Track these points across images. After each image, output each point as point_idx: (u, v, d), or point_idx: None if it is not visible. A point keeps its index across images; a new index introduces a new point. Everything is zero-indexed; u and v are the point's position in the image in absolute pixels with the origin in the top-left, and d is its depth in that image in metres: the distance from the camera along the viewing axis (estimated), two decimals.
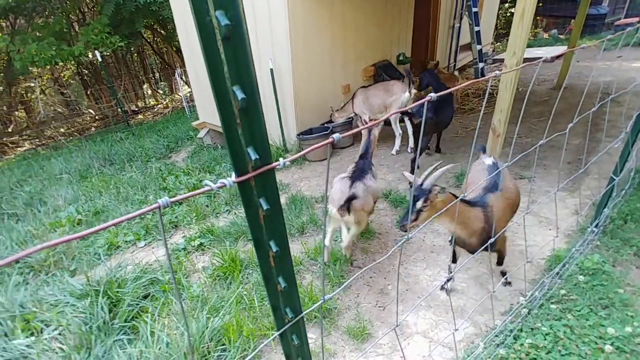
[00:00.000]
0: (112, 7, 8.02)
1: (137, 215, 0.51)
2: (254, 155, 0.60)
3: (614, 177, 2.55)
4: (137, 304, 2.74)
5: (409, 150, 4.93)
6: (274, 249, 0.68)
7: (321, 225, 3.60)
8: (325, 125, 5.35)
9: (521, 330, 2.20)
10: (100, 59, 7.63)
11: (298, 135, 5.12)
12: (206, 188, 0.56)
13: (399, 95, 4.60)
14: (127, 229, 3.96)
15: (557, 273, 2.49)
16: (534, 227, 3.19)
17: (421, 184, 1.98)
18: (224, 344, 2.34)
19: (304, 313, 0.83)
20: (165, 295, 2.85)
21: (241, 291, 2.75)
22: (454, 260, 2.63)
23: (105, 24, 8.00)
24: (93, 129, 10.38)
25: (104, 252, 3.62)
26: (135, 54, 13.27)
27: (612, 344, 2.05)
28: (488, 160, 2.52)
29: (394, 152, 4.97)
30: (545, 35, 12.70)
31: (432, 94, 0.87)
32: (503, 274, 2.64)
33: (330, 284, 2.81)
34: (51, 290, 2.91)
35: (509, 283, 2.63)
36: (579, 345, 2.07)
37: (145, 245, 3.74)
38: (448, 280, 2.66)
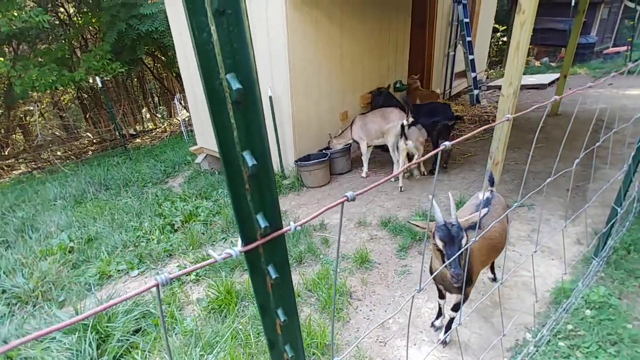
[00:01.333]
0: (115, 34, 8.17)
1: (132, 296, 0.47)
2: (263, 223, 0.56)
3: (617, 208, 2.53)
4: (127, 340, 2.62)
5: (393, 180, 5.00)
6: (282, 318, 0.63)
7: (319, 254, 3.52)
8: (324, 151, 5.36)
9: None
10: (100, 85, 7.69)
11: (296, 161, 5.11)
12: (211, 260, 0.52)
13: (396, 123, 4.63)
14: (120, 257, 3.86)
15: (564, 308, 2.42)
16: (536, 257, 3.13)
17: (456, 221, 1.76)
18: None
19: None
20: (157, 329, 2.73)
21: (237, 325, 2.65)
22: (442, 297, 2.44)
23: (107, 50, 8.12)
24: (90, 152, 10.36)
25: (95, 281, 3.50)
26: (136, 79, 13.44)
27: None
28: (482, 195, 2.44)
29: (400, 183, 4.91)
30: (537, 63, 13.03)
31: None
32: (449, 325, 2.39)
33: (329, 318, 2.72)
34: (37, 324, 2.80)
35: (445, 343, 2.41)
36: None
37: (139, 274, 3.64)
38: (437, 317, 2.57)
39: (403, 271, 3.17)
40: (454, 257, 1.66)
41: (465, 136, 0.93)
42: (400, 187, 4.78)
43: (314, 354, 2.42)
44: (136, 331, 2.79)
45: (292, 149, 5.10)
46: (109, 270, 3.65)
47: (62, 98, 12.62)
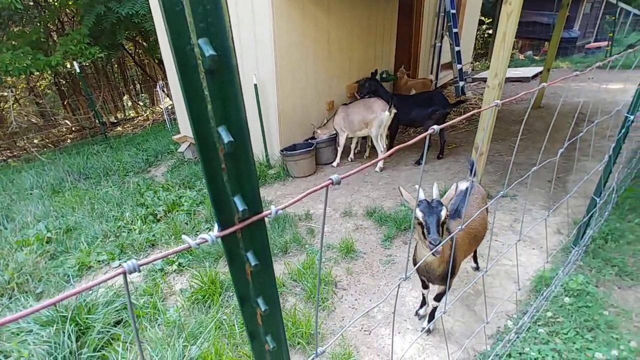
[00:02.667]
0: (93, 18, 7.84)
1: (99, 282, 0.43)
2: (241, 206, 0.52)
3: (596, 198, 2.59)
4: (108, 331, 2.56)
5: (377, 169, 4.97)
6: (263, 307, 0.60)
7: (305, 244, 3.51)
8: (309, 141, 5.31)
9: (510, 355, 2.16)
10: (78, 70, 7.40)
11: (281, 151, 5.06)
12: (185, 246, 0.48)
13: (379, 114, 4.62)
14: (101, 248, 3.76)
15: (544, 295, 2.47)
16: (518, 246, 3.19)
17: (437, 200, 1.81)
18: None
19: None
20: (139, 320, 2.68)
21: (221, 316, 2.62)
22: (425, 287, 2.46)
23: (85, 34, 7.80)
24: (69, 140, 10.02)
25: (74, 272, 3.41)
26: (116, 65, 13.01)
27: None
28: (462, 185, 2.45)
29: (377, 169, 4.96)
30: (521, 57, 13.19)
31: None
32: (432, 314, 2.41)
33: (314, 307, 2.71)
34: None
35: (429, 331, 2.46)
36: None
37: (120, 265, 3.55)
38: (421, 307, 2.60)
39: (388, 260, 3.18)
40: (433, 224, 1.72)
41: (455, 120, 0.92)
42: (381, 168, 4.85)
43: (299, 344, 2.42)
44: (117, 322, 2.74)
45: (277, 138, 5.04)
46: (88, 261, 3.55)
47: (38, 84, 12.13)
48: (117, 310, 2.77)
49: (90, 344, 2.45)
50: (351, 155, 5.48)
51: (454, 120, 0.96)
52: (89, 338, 2.48)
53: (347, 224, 3.82)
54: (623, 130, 2.41)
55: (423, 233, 1.77)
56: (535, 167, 1.40)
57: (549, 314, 2.40)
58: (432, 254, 1.72)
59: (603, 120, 5.57)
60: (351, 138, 5.37)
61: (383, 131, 4.78)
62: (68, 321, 2.52)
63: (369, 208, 3.97)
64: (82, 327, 2.57)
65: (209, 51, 0.39)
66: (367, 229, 3.70)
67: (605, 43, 12.41)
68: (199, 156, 0.47)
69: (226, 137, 0.45)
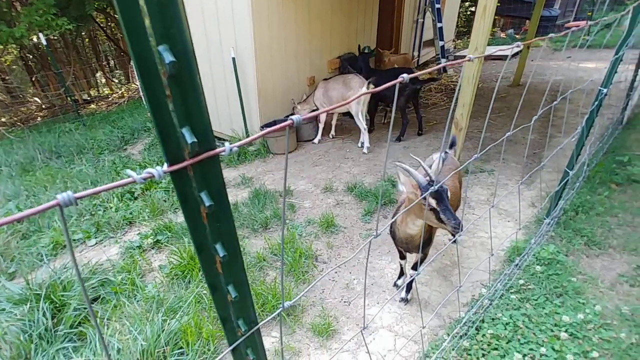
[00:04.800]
0: None
1: (29, 214, 0.40)
2: (190, 138, 0.48)
3: (568, 171, 2.65)
4: (85, 308, 2.52)
5: (365, 150, 4.90)
6: (221, 253, 0.57)
7: (286, 219, 3.50)
8: (290, 117, 5.23)
9: (483, 321, 2.24)
10: (45, 43, 7.00)
11: (262, 127, 4.97)
12: (128, 180, 0.45)
13: (356, 90, 4.57)
14: (76, 227, 3.66)
15: (516, 264, 2.56)
16: (494, 219, 3.27)
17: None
18: (181, 347, 2.20)
19: (260, 324, 0.74)
20: (117, 297, 2.64)
21: (200, 290, 2.61)
22: (403, 257, 2.50)
23: (50, 4, 7.33)
24: (39, 118, 9.58)
25: (48, 252, 3.32)
26: (87, 39, 12.37)
27: (566, 331, 2.12)
28: (435, 156, 2.45)
29: (365, 150, 4.86)
30: (503, 35, 13.22)
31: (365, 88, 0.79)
32: (410, 285, 2.47)
33: (294, 280, 2.74)
34: None
35: (407, 300, 2.51)
36: (537, 333, 2.13)
37: (96, 243, 3.47)
38: (400, 277, 2.65)
39: (368, 234, 3.22)
40: (449, 209, 1.68)
41: (420, 73, 0.90)
42: (368, 149, 4.82)
43: (279, 315, 2.44)
44: (94, 299, 2.70)
45: (257, 114, 4.94)
46: (63, 239, 3.45)
47: (3, 59, 11.45)
48: (93, 288, 2.73)
49: (67, 321, 2.40)
50: (332, 132, 5.45)
51: (427, 70, 0.94)
52: (65, 315, 2.43)
53: (328, 199, 3.82)
54: (596, 103, 2.45)
55: (439, 218, 1.72)
56: (508, 133, 1.41)
57: (521, 281, 2.49)
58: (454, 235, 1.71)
59: (578, 98, 5.69)
60: (332, 114, 5.32)
61: (363, 108, 4.74)
62: (42, 299, 2.46)
63: (350, 184, 3.98)
64: (57, 305, 2.52)
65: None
66: (348, 204, 3.71)
67: (584, 22, 12.55)
68: (140, 81, 0.43)
69: (168, 57, 0.41)
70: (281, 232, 3.33)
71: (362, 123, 4.76)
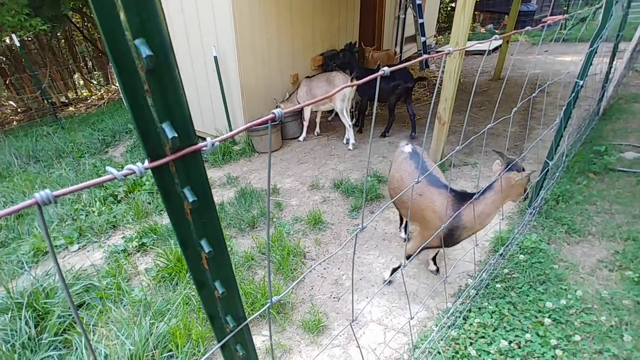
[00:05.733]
0: None
1: (6, 214, 0.38)
2: (170, 133, 0.47)
3: (548, 162, 2.72)
4: (70, 315, 2.47)
5: (350, 147, 4.90)
6: (207, 249, 0.56)
7: (272, 217, 3.49)
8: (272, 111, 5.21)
9: (470, 310, 2.28)
10: (18, 44, 6.78)
11: None
12: (109, 177, 0.44)
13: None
14: (58, 232, 3.57)
15: (501, 254, 2.61)
16: None
17: None
18: (170, 350, 2.18)
19: (249, 319, 0.73)
20: (103, 302, 2.59)
21: (188, 292, 2.58)
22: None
23: (23, 4, 7.10)
24: (15, 122, 9.29)
25: (29, 259, 3.23)
26: (63, 40, 12.03)
27: (549, 317, 2.19)
28: (407, 149, 2.49)
29: (350, 147, 4.87)
30: (482, 30, 13.43)
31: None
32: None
33: (283, 278, 2.74)
34: None
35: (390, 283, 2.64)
36: (521, 320, 2.19)
37: (79, 249, 3.40)
38: (395, 271, 2.65)
39: (355, 230, 3.23)
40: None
41: (409, 63, 0.91)
42: (354, 145, 4.81)
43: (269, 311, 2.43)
44: (79, 306, 2.64)
45: (241, 113, 4.90)
46: (44, 246, 3.36)
47: None
48: (77, 294, 2.67)
49: (51, 329, 2.35)
50: (317, 129, 5.45)
51: (411, 62, 0.95)
52: (48, 323, 2.38)
53: (315, 196, 3.83)
54: (573, 95, 2.52)
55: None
56: (489, 125, 1.44)
57: (506, 270, 2.55)
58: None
59: (556, 90, 5.84)
60: (316, 112, 5.32)
61: (347, 104, 4.76)
62: (24, 307, 2.40)
63: (336, 180, 3.99)
64: (40, 313, 2.46)
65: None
66: (335, 200, 3.72)
67: (561, 17, 12.84)
68: (117, 77, 0.42)
69: (145, 51, 0.41)
70: (270, 230, 3.32)
71: (347, 120, 4.77)
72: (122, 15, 0.39)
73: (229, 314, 0.68)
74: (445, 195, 2.03)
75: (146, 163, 0.46)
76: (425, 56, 0.98)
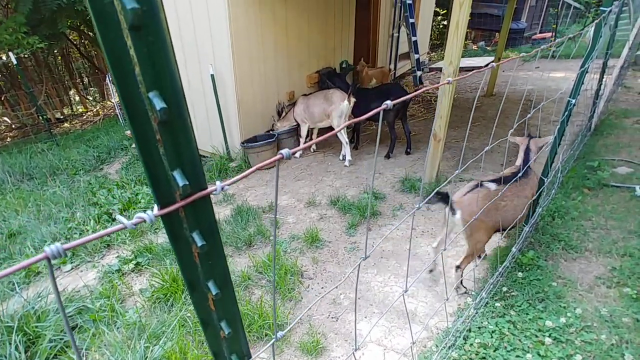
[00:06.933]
0: (30, 4, 7.20)
1: (19, 268, 0.38)
2: (182, 181, 0.48)
3: (544, 178, 2.75)
4: (61, 339, 2.41)
5: (347, 163, 4.94)
6: (214, 291, 0.56)
7: (269, 236, 3.47)
8: (271, 132, 5.24)
9: (470, 330, 2.26)
10: (15, 62, 6.80)
11: (242, 143, 4.95)
12: (119, 226, 0.43)
13: (338, 104, 4.62)
14: None
15: (500, 272, 2.60)
16: None
17: None
18: None
19: (254, 357, 0.72)
20: (96, 325, 2.54)
21: (184, 313, 2.54)
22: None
23: (21, 23, 7.16)
24: (9, 139, 9.24)
25: (21, 280, 3.17)
26: (60, 57, 12.09)
27: (550, 336, 2.17)
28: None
29: (347, 163, 4.88)
30: (474, 47, 13.71)
31: (346, 102, 0.80)
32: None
33: (281, 298, 2.70)
34: None
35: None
36: (522, 339, 2.17)
37: (72, 269, 3.34)
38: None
39: (352, 248, 3.22)
40: None
41: (409, 96, 0.92)
42: (350, 162, 4.83)
43: (266, 335, 2.40)
44: (72, 329, 2.57)
45: (237, 130, 4.92)
46: (36, 266, 3.31)
47: None
48: (70, 316, 2.61)
49: (42, 353, 2.29)
50: (313, 146, 5.47)
51: (412, 94, 0.96)
52: (39, 348, 2.32)
53: (312, 213, 3.82)
54: (566, 113, 2.56)
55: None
56: (487, 147, 1.45)
57: (505, 288, 2.54)
58: None
59: (548, 106, 5.94)
60: (312, 129, 5.35)
61: (345, 121, 4.79)
62: (15, 331, 2.34)
63: (333, 197, 3.99)
64: (31, 337, 2.40)
65: (130, 4, 0.35)
66: (332, 217, 3.72)
67: (550, 34, 13.20)
68: (130, 128, 0.42)
69: (159, 104, 0.41)
70: (266, 249, 3.29)
71: (344, 137, 4.80)
72: (137, 70, 0.39)
73: (234, 353, 0.67)
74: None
75: (155, 210, 0.46)
76: (426, 87, 0.99)
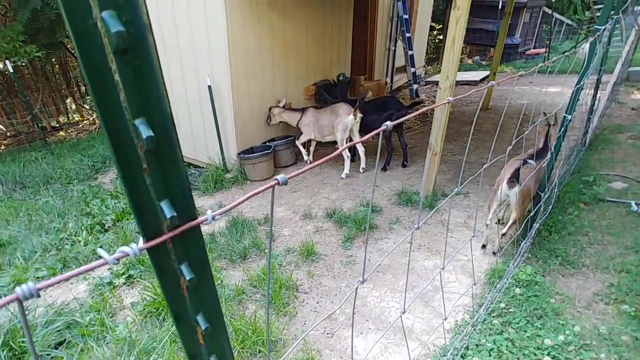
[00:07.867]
0: (28, 13, 7.22)
1: None
2: (169, 212, 0.44)
3: (540, 193, 2.74)
4: (49, 354, 2.34)
5: (360, 170, 4.97)
6: (203, 325, 0.52)
7: (264, 248, 3.43)
8: (267, 144, 5.22)
9: (467, 348, 2.22)
10: (12, 70, 6.78)
11: (239, 154, 4.93)
12: (100, 262, 0.41)
13: (343, 117, 4.63)
14: (40, 263, 3.45)
15: (498, 288, 2.58)
16: (472, 242, 3.31)
17: None
18: None
19: None
20: (85, 340, 2.47)
21: (176, 329, 2.47)
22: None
23: (19, 31, 7.16)
24: (2, 147, 9.17)
25: (8, 292, 3.09)
26: (57, 66, 12.08)
27: (549, 354, 2.13)
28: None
29: (343, 175, 4.87)
30: (469, 61, 13.90)
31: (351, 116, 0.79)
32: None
33: (275, 313, 2.65)
34: None
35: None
36: (521, 358, 2.13)
37: (62, 281, 3.27)
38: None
39: (348, 261, 3.18)
40: None
41: (410, 116, 0.92)
42: (347, 175, 4.82)
43: (260, 352, 2.34)
44: (59, 344, 2.51)
45: (234, 141, 4.90)
46: (26, 278, 3.23)
47: None
48: (58, 331, 2.54)
49: None
50: (310, 158, 5.45)
51: (412, 114, 0.95)
52: None
53: (308, 226, 3.78)
54: (562, 129, 2.57)
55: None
56: (486, 165, 1.44)
57: (502, 305, 2.51)
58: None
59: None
60: (310, 140, 5.34)
61: (347, 135, 4.79)
62: (0, 346, 2.27)
63: (329, 210, 3.96)
64: (17, 353, 2.32)
65: (115, 27, 0.33)
66: (328, 230, 3.68)
67: (543, 50, 13.41)
68: (113, 156, 0.40)
69: (145, 132, 0.39)
70: (261, 262, 3.25)
71: (346, 151, 4.81)
72: (122, 96, 0.37)
73: None
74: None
75: (141, 243, 0.43)
76: (426, 108, 0.98)
